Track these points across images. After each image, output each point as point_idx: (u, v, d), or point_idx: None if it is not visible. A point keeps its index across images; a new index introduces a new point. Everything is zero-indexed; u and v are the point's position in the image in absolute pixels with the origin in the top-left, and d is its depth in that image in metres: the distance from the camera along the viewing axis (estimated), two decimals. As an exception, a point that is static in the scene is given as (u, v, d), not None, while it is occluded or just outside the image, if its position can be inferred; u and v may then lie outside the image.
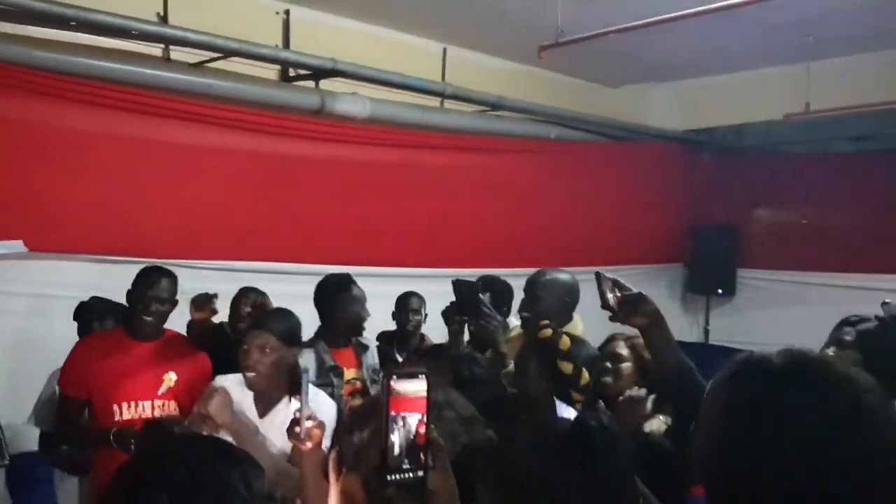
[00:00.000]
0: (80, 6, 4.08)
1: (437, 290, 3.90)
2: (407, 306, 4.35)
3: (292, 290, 3.99)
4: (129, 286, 3.29)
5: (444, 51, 6.14)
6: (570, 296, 3.13)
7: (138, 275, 3.30)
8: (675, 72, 7.06)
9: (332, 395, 3.12)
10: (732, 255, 7.81)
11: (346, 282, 3.68)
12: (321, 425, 2.14)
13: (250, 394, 2.76)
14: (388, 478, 1.20)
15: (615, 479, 1.23)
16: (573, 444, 1.25)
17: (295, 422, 2.12)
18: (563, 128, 6.68)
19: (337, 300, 3.63)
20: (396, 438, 1.22)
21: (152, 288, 3.22)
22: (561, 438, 1.27)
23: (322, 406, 2.67)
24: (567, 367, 2.22)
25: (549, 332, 2.34)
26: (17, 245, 3.93)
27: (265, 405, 2.77)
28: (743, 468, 1.00)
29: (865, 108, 6.27)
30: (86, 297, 3.87)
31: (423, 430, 1.23)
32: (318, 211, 5.11)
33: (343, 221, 5.18)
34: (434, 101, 5.92)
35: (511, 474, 1.26)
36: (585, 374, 2.24)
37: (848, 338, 2.83)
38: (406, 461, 1.22)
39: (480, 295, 2.80)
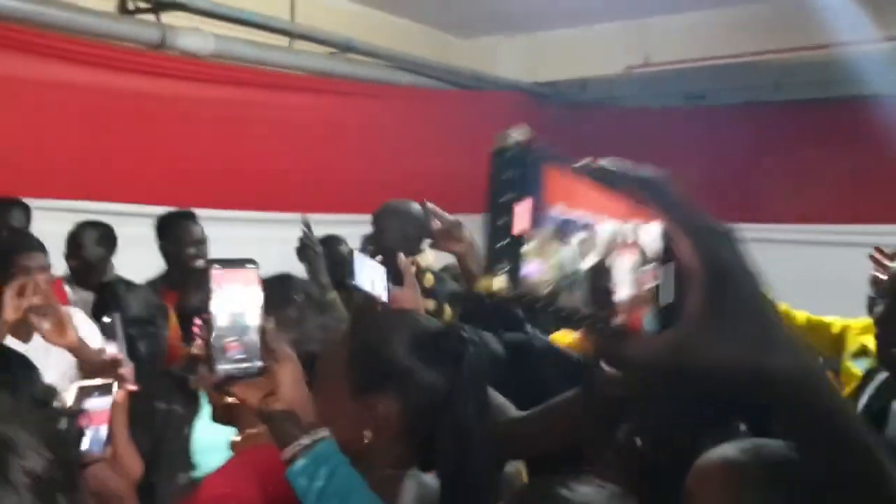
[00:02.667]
0: None
1: (278, 235, 3.87)
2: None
3: (127, 232, 3.90)
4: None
5: (294, -12, 6.06)
6: (414, 227, 3.16)
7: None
8: (522, 24, 7.25)
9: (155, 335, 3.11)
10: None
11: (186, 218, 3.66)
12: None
13: None
14: (219, 367, 1.16)
15: (470, 382, 1.33)
16: (439, 343, 1.36)
17: None
18: (414, 74, 6.76)
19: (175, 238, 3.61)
20: (226, 329, 1.17)
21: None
22: (431, 337, 1.37)
23: None
24: (429, 304, 2.31)
25: (418, 266, 2.43)
26: None
27: None
28: None
29: (702, 63, 6.67)
30: None
31: (256, 321, 1.19)
32: (156, 149, 4.97)
33: (180, 160, 5.06)
34: (283, 41, 5.86)
35: (373, 361, 1.34)
36: (448, 310, 2.33)
37: None
38: (239, 353, 1.18)
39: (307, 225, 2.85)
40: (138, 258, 3.87)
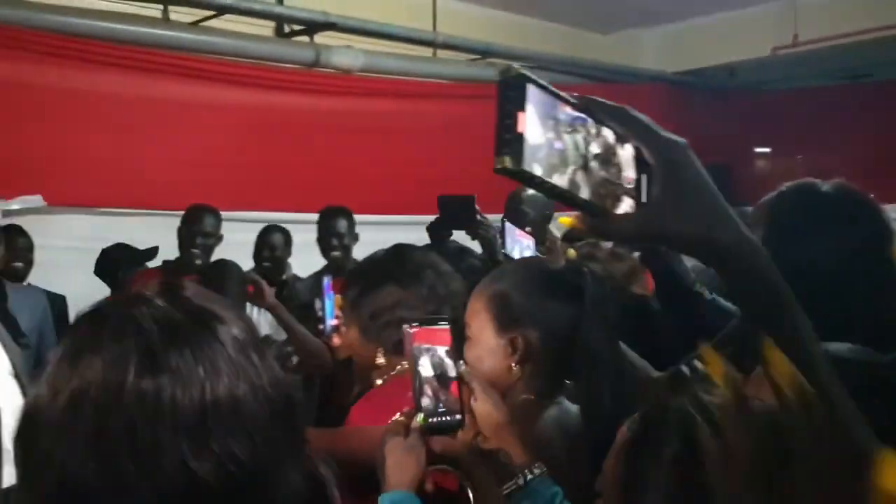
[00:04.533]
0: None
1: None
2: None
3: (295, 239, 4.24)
4: (141, 236, 3.59)
5: (434, 1, 6.30)
6: (549, 209, 3.52)
7: (185, 213, 3.70)
8: (663, 14, 7.18)
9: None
10: (724, 193, 7.93)
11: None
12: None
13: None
14: (428, 420, 1.27)
15: (598, 313, 1.44)
16: (563, 279, 1.49)
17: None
18: (553, 73, 6.84)
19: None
20: (426, 384, 1.29)
21: (197, 223, 3.52)
22: (556, 275, 1.50)
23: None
24: (568, 253, 2.45)
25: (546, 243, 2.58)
26: (37, 200, 4.19)
27: None
28: None
29: (854, 38, 6.36)
30: (101, 248, 4.14)
31: (452, 373, 1.29)
32: (315, 161, 5.32)
33: (336, 170, 5.38)
34: (427, 52, 6.11)
35: (509, 302, 1.47)
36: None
37: None
38: (441, 405, 1.29)
39: (476, 206, 3.01)
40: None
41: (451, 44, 6.09)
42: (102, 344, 0.71)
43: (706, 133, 7.86)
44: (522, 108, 0.69)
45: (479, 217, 3.01)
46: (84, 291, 3.70)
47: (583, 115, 0.74)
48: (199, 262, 3.54)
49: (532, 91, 0.70)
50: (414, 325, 1.32)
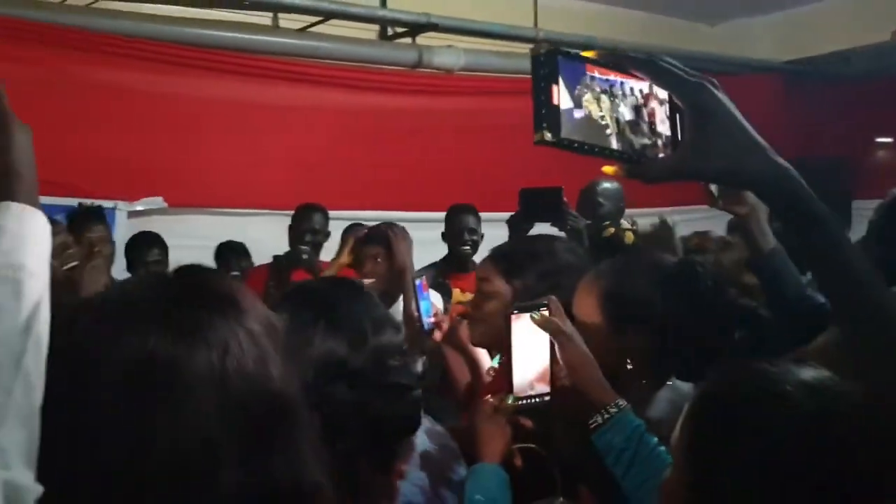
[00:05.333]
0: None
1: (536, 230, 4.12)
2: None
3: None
4: (255, 234, 3.77)
5: (536, -2, 6.32)
6: (623, 201, 3.54)
7: (295, 212, 3.86)
8: (773, 2, 6.96)
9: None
10: (845, 186, 7.58)
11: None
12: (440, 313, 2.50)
13: None
14: (518, 402, 1.33)
15: (716, 309, 1.47)
16: (675, 273, 1.51)
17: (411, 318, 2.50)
18: (659, 66, 6.72)
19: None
20: (521, 365, 1.33)
21: (306, 222, 3.71)
22: (668, 270, 1.52)
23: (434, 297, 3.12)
24: (628, 237, 2.45)
25: (612, 230, 2.58)
26: (158, 201, 4.44)
27: None
28: None
29: None
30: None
31: (547, 356, 1.34)
32: (419, 159, 5.42)
33: (440, 169, 5.46)
34: (528, 48, 6.11)
35: (622, 299, 1.49)
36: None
37: None
38: (532, 387, 1.33)
39: (564, 198, 3.01)
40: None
41: (552, 39, 6.07)
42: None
43: (822, 124, 7.58)
44: (556, 82, 0.75)
45: (566, 209, 3.01)
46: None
47: (615, 76, 0.80)
48: (306, 257, 3.68)
49: (563, 63, 0.76)
50: (514, 311, 1.36)
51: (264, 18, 5.15)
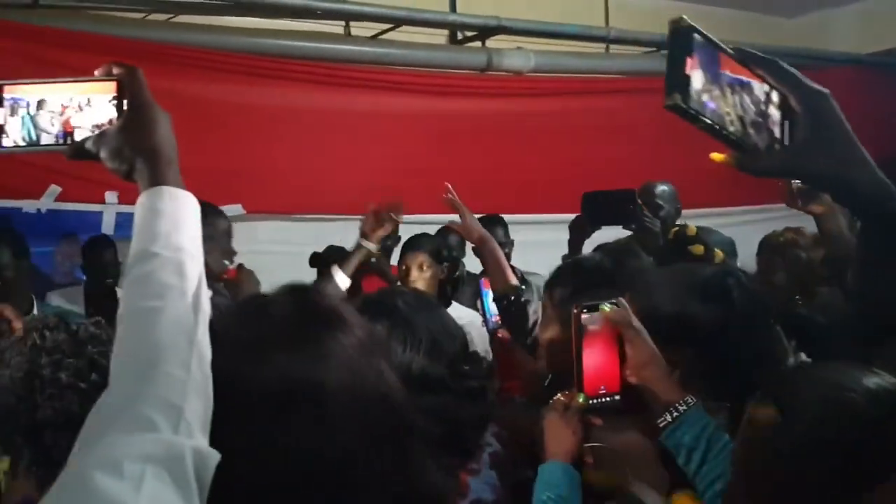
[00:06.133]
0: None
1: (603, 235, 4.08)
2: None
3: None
4: (330, 239, 3.83)
5: (606, -4, 6.26)
6: (679, 203, 3.58)
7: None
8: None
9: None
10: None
11: None
12: None
13: None
14: (589, 401, 1.33)
15: (748, 319, 1.44)
16: (710, 285, 1.49)
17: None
18: (734, 62, 6.58)
19: None
20: (589, 365, 1.32)
21: None
22: (702, 281, 1.51)
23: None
24: (698, 249, 2.40)
25: (676, 228, 2.55)
26: (237, 209, 4.56)
27: None
28: None
29: None
30: (299, 253, 4.46)
31: (615, 355, 1.33)
32: (489, 162, 5.42)
33: (512, 171, 5.46)
34: (600, 48, 6.07)
35: (661, 316, 1.48)
36: (719, 253, 2.39)
37: None
38: (602, 387, 1.33)
39: (639, 200, 2.96)
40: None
41: (624, 38, 6.01)
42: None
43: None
44: (691, 54, 0.80)
45: (641, 211, 2.97)
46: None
47: (742, 74, 0.85)
48: (374, 261, 3.73)
49: (697, 40, 0.81)
50: (583, 309, 1.35)
51: (336, 27, 5.23)
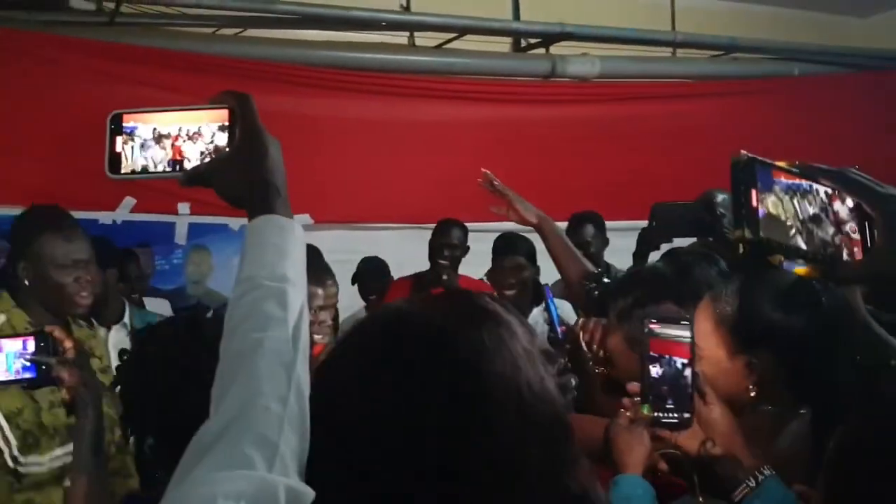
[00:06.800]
0: (337, 5, 4.74)
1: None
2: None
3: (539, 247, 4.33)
4: (398, 248, 3.88)
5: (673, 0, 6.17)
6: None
7: (435, 226, 3.98)
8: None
9: None
10: None
11: None
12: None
13: None
14: (655, 415, 1.29)
15: (836, 326, 1.37)
16: (796, 292, 1.43)
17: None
18: (805, 63, 6.41)
19: None
20: (657, 378, 1.29)
21: (445, 236, 3.79)
22: (788, 289, 1.44)
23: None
24: (776, 259, 2.32)
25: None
26: (305, 218, 4.62)
27: None
28: None
29: None
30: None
31: (686, 371, 1.29)
32: (552, 170, 5.38)
33: (577, 178, 5.41)
34: (666, 52, 5.99)
35: (742, 322, 1.42)
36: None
37: None
38: (669, 402, 1.29)
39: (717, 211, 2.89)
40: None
41: (691, 42, 5.92)
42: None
43: None
44: (755, 186, 0.85)
45: (722, 219, 2.90)
46: (348, 302, 4.04)
47: (802, 180, 0.89)
48: (446, 278, 3.75)
49: (760, 169, 0.86)
50: (653, 321, 1.33)
51: (401, 38, 5.27)
